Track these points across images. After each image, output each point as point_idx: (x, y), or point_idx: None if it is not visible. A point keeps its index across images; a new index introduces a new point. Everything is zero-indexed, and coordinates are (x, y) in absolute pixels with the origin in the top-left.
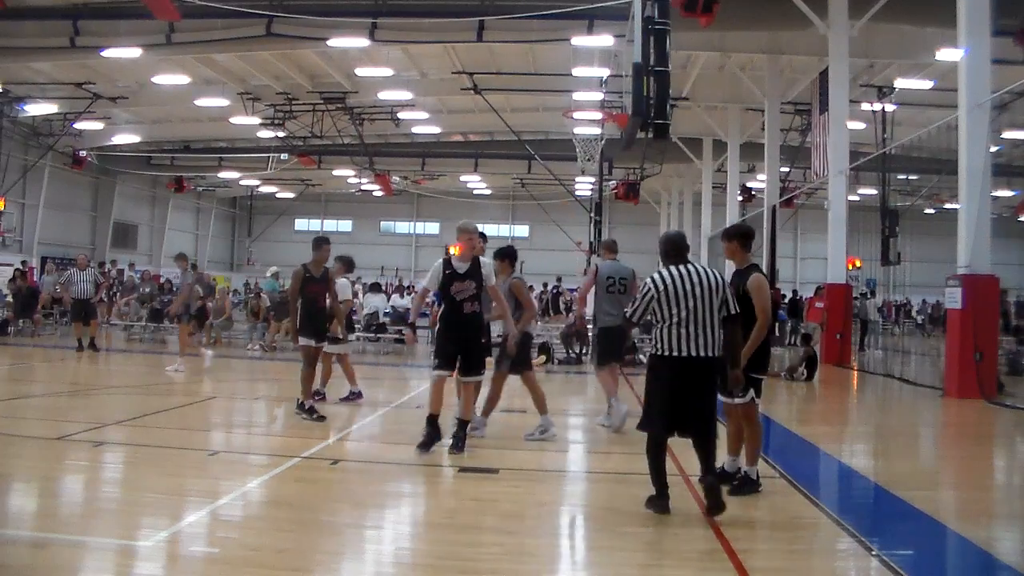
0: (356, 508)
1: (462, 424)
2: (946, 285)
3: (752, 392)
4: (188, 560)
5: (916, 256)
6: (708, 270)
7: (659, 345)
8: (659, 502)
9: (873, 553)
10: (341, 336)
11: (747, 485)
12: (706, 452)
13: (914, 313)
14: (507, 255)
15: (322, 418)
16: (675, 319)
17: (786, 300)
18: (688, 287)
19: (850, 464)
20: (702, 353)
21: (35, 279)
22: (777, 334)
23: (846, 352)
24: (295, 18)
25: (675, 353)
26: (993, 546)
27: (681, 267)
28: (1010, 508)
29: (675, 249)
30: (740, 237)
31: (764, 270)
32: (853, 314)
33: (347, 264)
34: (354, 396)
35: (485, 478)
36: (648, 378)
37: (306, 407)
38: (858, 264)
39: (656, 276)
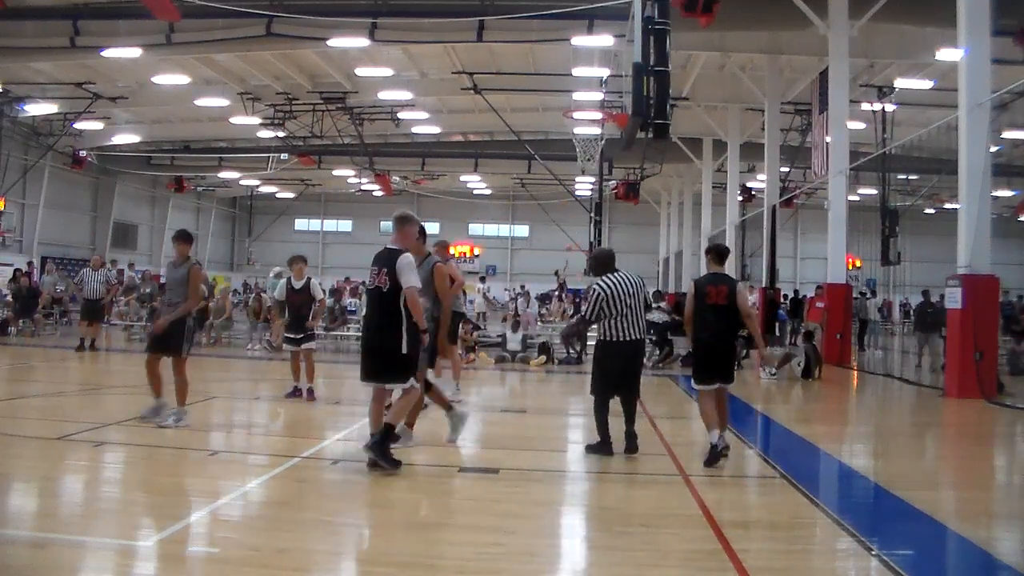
0: (356, 508)
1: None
2: (946, 285)
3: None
4: (188, 560)
5: (916, 256)
6: (632, 276)
7: (608, 333)
8: (604, 448)
9: (873, 553)
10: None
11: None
12: (631, 408)
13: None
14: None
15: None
16: (618, 313)
17: (786, 300)
18: (624, 289)
19: (850, 464)
20: (636, 336)
21: (36, 279)
22: (777, 334)
23: (846, 352)
24: (295, 18)
25: (621, 338)
26: (993, 546)
27: (615, 275)
28: (1010, 508)
29: (607, 263)
30: (710, 253)
31: (760, 273)
32: (852, 314)
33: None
34: (298, 393)
35: (485, 478)
36: (598, 356)
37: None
38: (858, 264)
39: (601, 283)
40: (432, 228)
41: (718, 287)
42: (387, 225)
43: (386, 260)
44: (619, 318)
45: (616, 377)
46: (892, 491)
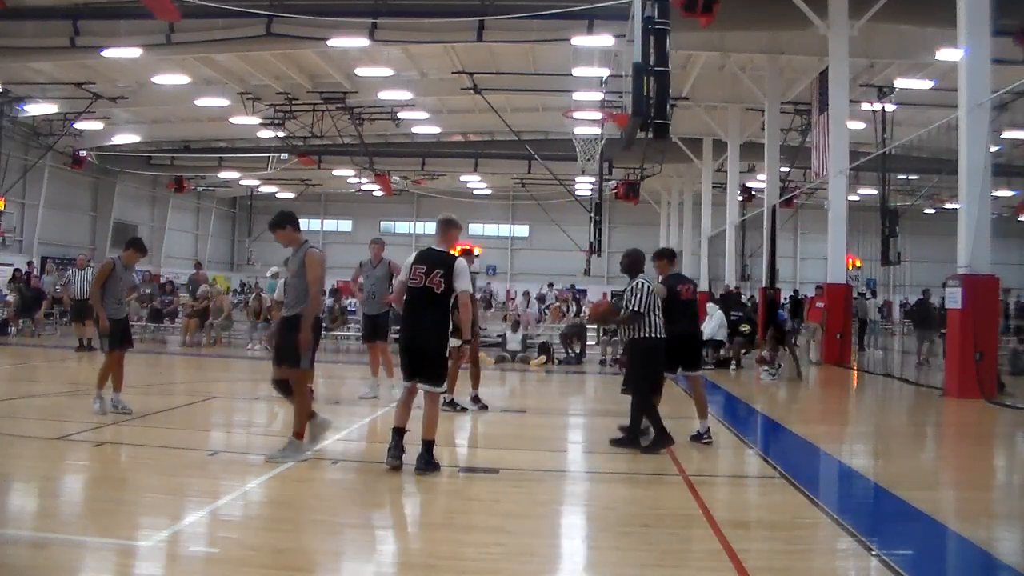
0: (356, 508)
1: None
2: (946, 285)
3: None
4: (188, 560)
5: (916, 256)
6: None
7: (651, 330)
8: (664, 438)
9: (873, 553)
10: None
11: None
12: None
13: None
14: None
15: (464, 409)
16: (655, 311)
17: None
18: (654, 289)
19: (850, 464)
20: (665, 335)
21: (40, 281)
22: None
23: (846, 352)
24: (295, 18)
25: (659, 335)
26: (993, 546)
27: (645, 276)
28: (1010, 508)
29: (642, 262)
30: (667, 257)
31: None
32: (852, 314)
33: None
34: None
35: (485, 478)
36: (643, 354)
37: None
38: (858, 264)
39: (645, 281)
40: (432, 228)
41: (685, 284)
42: (387, 225)
43: (440, 262)
44: (655, 316)
45: (659, 372)
46: (892, 491)
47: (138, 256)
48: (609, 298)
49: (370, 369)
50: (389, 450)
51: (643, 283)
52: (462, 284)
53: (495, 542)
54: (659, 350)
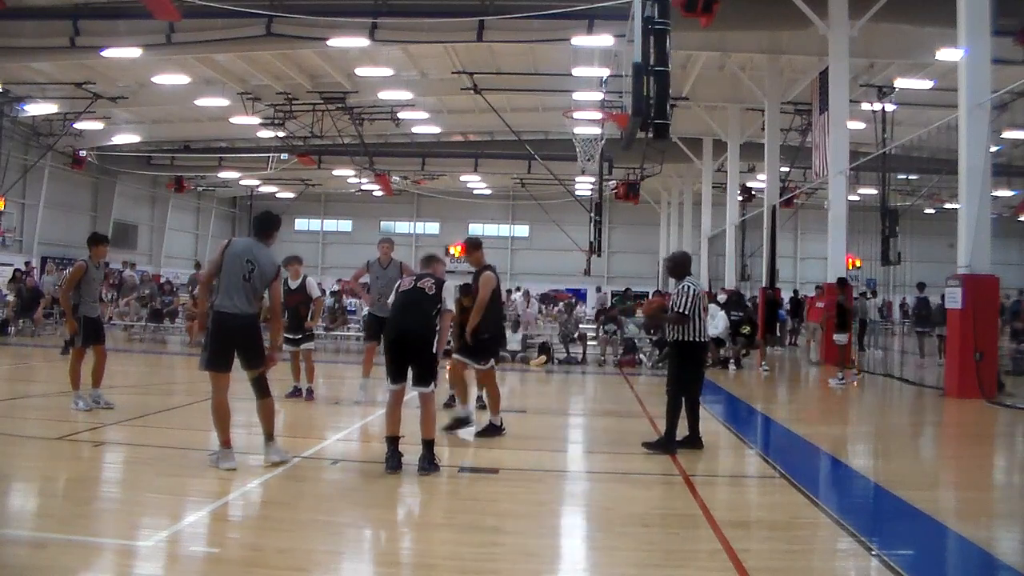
0: (356, 508)
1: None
2: (946, 285)
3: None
4: (188, 560)
5: (916, 256)
6: None
7: (693, 333)
8: (671, 444)
9: (873, 553)
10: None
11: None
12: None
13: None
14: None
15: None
16: (700, 313)
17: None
18: (700, 292)
19: (850, 464)
20: (707, 337)
21: (38, 281)
22: (777, 334)
23: (846, 352)
24: (295, 18)
25: (703, 338)
26: (993, 546)
27: (692, 279)
28: (1010, 508)
29: (688, 265)
30: (480, 247)
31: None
32: (853, 314)
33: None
34: (298, 393)
35: (485, 478)
36: (686, 357)
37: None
38: (858, 264)
39: (693, 284)
40: (432, 228)
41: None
42: (387, 225)
43: (431, 275)
44: (703, 316)
45: (700, 374)
46: (892, 491)
47: (103, 248)
48: (610, 300)
49: (363, 369)
50: (387, 460)
51: (690, 286)
52: (448, 302)
53: (495, 542)
54: (702, 352)
